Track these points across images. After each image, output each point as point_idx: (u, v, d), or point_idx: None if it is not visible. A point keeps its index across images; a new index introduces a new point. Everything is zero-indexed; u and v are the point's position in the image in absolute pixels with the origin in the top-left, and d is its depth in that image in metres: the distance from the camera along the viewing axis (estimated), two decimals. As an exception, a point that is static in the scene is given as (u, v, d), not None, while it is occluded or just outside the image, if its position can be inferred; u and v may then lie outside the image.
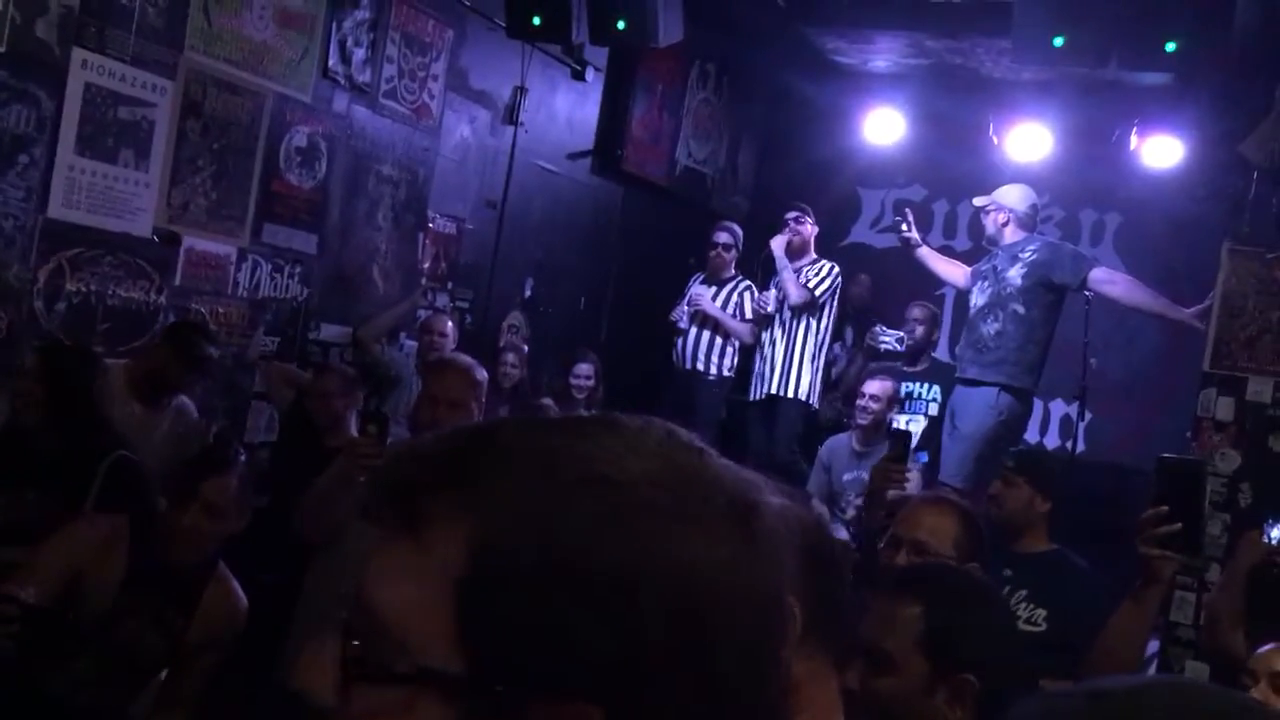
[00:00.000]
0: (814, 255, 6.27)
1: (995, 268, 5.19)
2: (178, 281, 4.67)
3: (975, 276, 5.35)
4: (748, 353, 6.47)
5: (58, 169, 4.17)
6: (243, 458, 2.91)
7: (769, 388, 6.12)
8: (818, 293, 6.07)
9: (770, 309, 6.20)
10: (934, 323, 6.04)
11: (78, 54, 4.17)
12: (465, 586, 0.59)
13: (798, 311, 6.07)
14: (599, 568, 0.59)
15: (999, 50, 6.54)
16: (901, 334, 6.11)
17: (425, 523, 0.61)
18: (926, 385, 5.78)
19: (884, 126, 7.20)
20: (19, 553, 2.93)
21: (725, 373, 6.45)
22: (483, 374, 3.18)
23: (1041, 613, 3.03)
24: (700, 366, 6.41)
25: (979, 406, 5.06)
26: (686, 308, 6.48)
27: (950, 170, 7.41)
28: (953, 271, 5.66)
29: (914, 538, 2.50)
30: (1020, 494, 3.33)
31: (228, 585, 2.85)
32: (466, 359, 3.26)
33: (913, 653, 1.74)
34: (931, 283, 6.93)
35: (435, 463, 0.63)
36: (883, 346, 6.23)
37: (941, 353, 7.43)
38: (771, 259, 6.22)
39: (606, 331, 7.31)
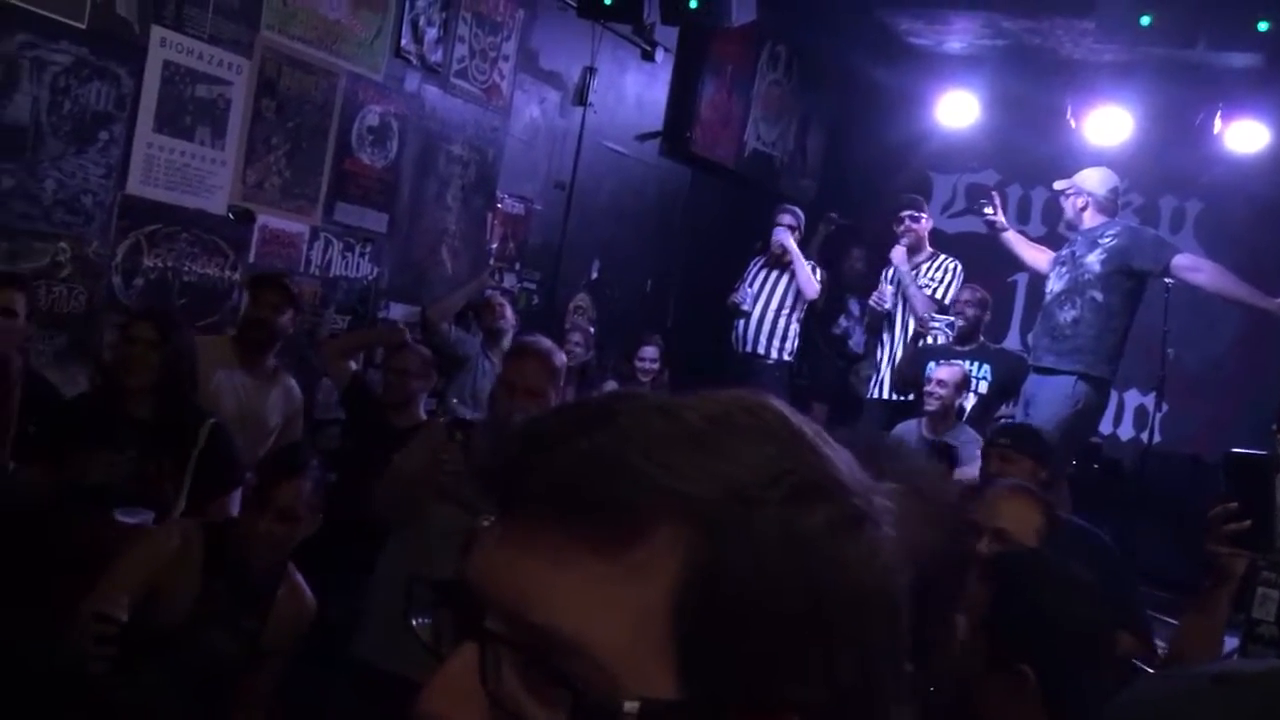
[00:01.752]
0: (930, 250, 6.19)
1: (1074, 253, 5.07)
2: (252, 259, 4.72)
3: (1054, 263, 5.24)
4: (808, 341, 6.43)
5: (136, 146, 4.24)
6: (314, 460, 2.92)
7: (890, 393, 6.06)
8: (946, 300, 6.00)
9: (887, 305, 6.13)
10: (984, 305, 5.91)
11: (157, 32, 4.22)
12: (684, 612, 0.54)
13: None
14: (818, 585, 0.56)
15: (1080, 30, 6.38)
16: (953, 319, 6.02)
17: (634, 540, 0.55)
18: (977, 364, 5.68)
19: (958, 109, 7.07)
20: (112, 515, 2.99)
21: (785, 356, 6.41)
22: (561, 358, 3.16)
23: None
24: (760, 350, 6.37)
25: (1054, 396, 4.94)
26: (749, 289, 6.44)
27: (1025, 154, 7.27)
28: (1038, 257, 5.54)
29: (996, 526, 2.46)
30: (1021, 469, 3.32)
31: (297, 586, 2.87)
32: (545, 343, 3.22)
33: (976, 633, 1.71)
34: (1001, 268, 6.82)
35: (639, 472, 0.55)
36: (933, 331, 6.14)
37: (1012, 340, 7.32)
38: (890, 264, 6.16)
39: (672, 314, 7.29)
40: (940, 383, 5.10)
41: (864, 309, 6.68)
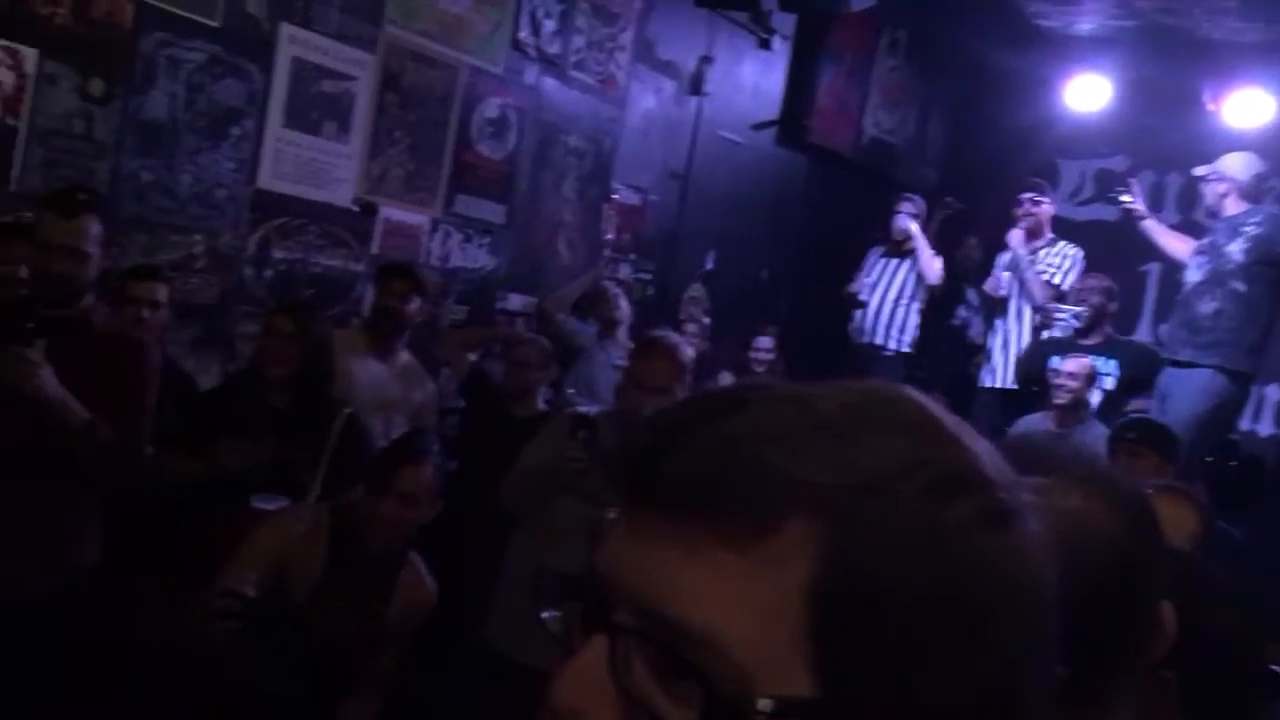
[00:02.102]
0: (1050, 235, 6.02)
1: (1214, 242, 4.84)
2: (375, 250, 4.82)
3: (1195, 252, 5.01)
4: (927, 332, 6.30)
5: (267, 141, 4.35)
6: (436, 446, 2.96)
7: (1008, 382, 5.92)
8: (1064, 287, 5.84)
9: (1004, 292, 6.00)
10: (1110, 295, 5.70)
11: (285, 29, 4.33)
12: (820, 607, 0.52)
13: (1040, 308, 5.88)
14: (962, 580, 0.53)
15: (1220, 9, 6.10)
16: (1078, 309, 5.82)
17: (768, 532, 0.53)
18: (1104, 358, 5.48)
19: (1087, 93, 6.84)
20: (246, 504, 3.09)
21: (905, 348, 6.29)
22: (689, 353, 3.14)
23: None
24: (879, 340, 6.27)
25: (1192, 390, 4.74)
26: (868, 279, 6.34)
27: (1158, 139, 6.99)
28: (1179, 246, 5.31)
29: None
30: (1148, 464, 3.16)
31: (418, 571, 2.92)
32: (673, 339, 3.21)
33: None
34: (1132, 257, 6.57)
35: (761, 460, 0.54)
36: (1057, 322, 5.95)
37: (1143, 333, 7.06)
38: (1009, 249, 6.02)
39: (788, 304, 7.21)
40: (1070, 375, 4.94)
41: (982, 298, 6.52)
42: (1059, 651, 0.59)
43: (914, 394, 0.60)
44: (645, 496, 0.56)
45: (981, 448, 0.58)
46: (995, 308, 6.13)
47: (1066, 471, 1.11)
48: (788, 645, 0.52)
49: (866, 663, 0.52)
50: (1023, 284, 5.90)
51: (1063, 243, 6.01)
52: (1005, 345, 6.01)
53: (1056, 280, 5.87)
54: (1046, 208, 6.06)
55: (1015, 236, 5.96)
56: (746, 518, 0.53)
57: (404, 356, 4.16)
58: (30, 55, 3.66)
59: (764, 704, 0.51)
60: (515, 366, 4.33)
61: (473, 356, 4.69)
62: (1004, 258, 6.14)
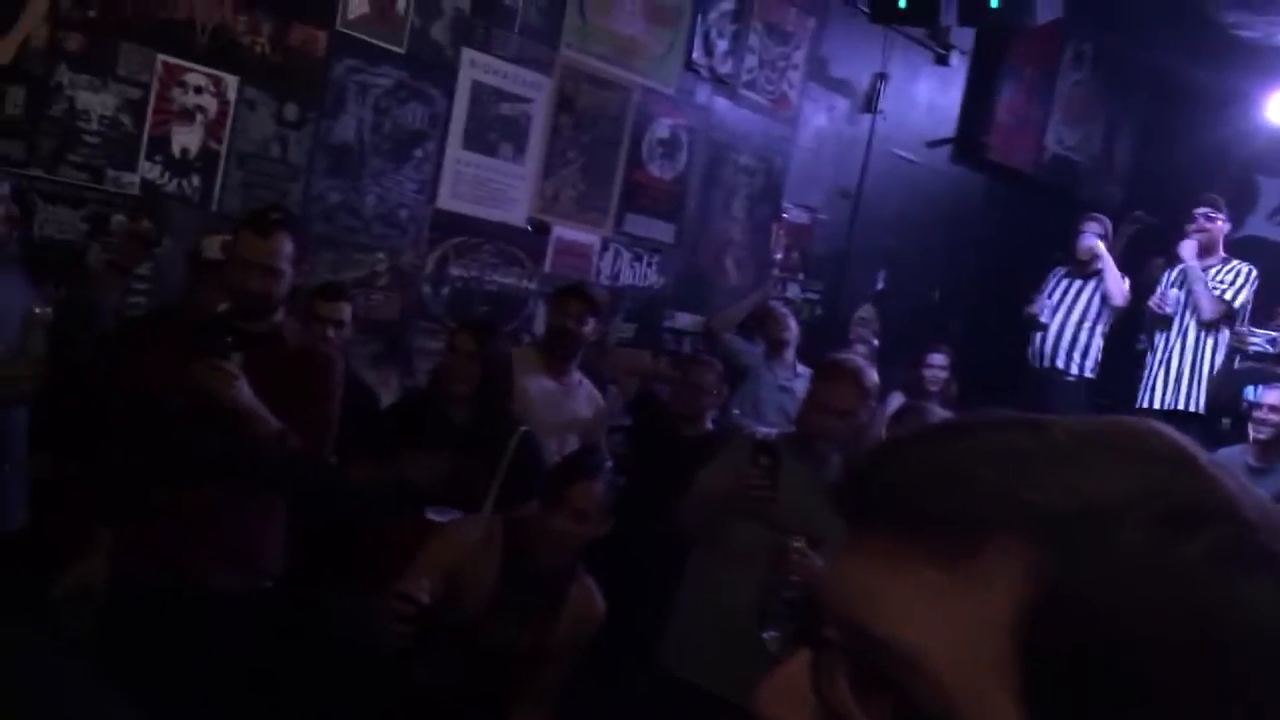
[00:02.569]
0: (1223, 254, 5.70)
1: None
2: (547, 269, 4.90)
3: None
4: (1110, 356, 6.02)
5: (447, 162, 4.49)
6: (608, 463, 2.97)
7: (1172, 400, 5.63)
8: (1236, 304, 5.53)
9: (1169, 309, 5.71)
10: None
11: (467, 54, 4.46)
12: (1033, 634, 0.50)
13: (1210, 324, 5.57)
14: (1202, 623, 0.49)
15: None
16: (1274, 334, 5.44)
17: (979, 551, 0.51)
18: None
19: (1290, 106, 6.42)
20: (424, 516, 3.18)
21: (1087, 373, 6.01)
22: (873, 378, 3.08)
23: None
24: (1060, 364, 6.00)
25: None
26: (1049, 300, 6.10)
27: (1371, 155, 6.51)
28: None
29: None
30: None
31: (589, 588, 2.93)
32: (857, 362, 3.14)
33: None
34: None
35: (981, 478, 0.52)
36: (1252, 348, 5.58)
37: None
38: (1177, 257, 5.73)
39: (961, 326, 7.00)
40: (1273, 408, 4.62)
41: (1147, 315, 6.15)
42: None
43: (1163, 428, 0.56)
44: (861, 515, 0.56)
45: (1237, 486, 0.53)
46: (1158, 325, 5.80)
47: None
48: (994, 669, 0.50)
49: (1081, 697, 0.49)
50: (1191, 297, 5.57)
51: (1236, 260, 5.66)
52: (1165, 365, 5.69)
53: (1228, 296, 5.53)
54: (1221, 224, 5.73)
55: (1188, 248, 5.65)
56: (954, 533, 0.52)
57: (577, 375, 4.21)
58: (232, 82, 3.87)
59: None
60: (689, 387, 4.32)
61: (637, 380, 4.73)
62: (1171, 274, 5.83)
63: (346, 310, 3.65)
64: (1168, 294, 5.75)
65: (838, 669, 0.53)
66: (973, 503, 0.52)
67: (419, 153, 4.39)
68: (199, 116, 3.82)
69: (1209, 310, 5.52)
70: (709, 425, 4.35)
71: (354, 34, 4.12)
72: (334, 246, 4.20)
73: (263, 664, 3.03)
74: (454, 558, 2.80)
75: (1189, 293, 5.63)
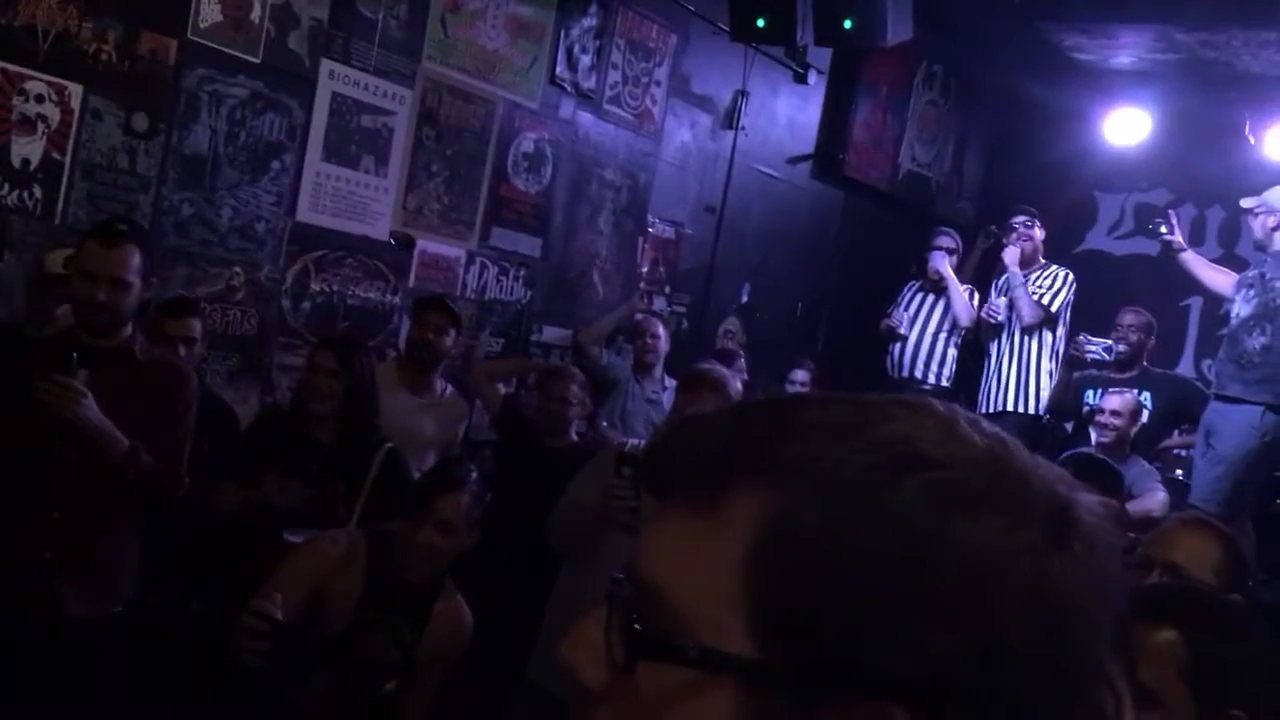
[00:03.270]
0: (1043, 262, 5.99)
1: (1263, 275, 4.73)
2: (411, 283, 4.84)
3: (1240, 285, 4.92)
4: (965, 367, 6.26)
5: (306, 175, 4.40)
6: (474, 475, 2.95)
7: (1002, 403, 5.87)
8: (1054, 308, 5.81)
9: (1000, 318, 5.97)
10: (1148, 330, 5.61)
11: (326, 65, 4.39)
12: (760, 567, 0.54)
13: (1030, 328, 5.84)
14: (913, 554, 0.52)
15: (1261, 41, 6.06)
16: (1109, 342, 5.74)
17: (721, 498, 0.56)
18: (1139, 391, 5.39)
19: (1126, 126, 6.79)
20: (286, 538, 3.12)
21: (944, 382, 6.23)
22: (737, 387, 3.14)
23: None
24: (918, 374, 6.21)
25: (1240, 426, 4.64)
26: (905, 313, 6.30)
27: (1200, 172, 6.92)
28: (1220, 279, 5.22)
29: (1170, 560, 2.30)
30: None
31: (455, 601, 2.90)
32: (721, 372, 3.19)
33: (1175, 684, 1.58)
34: (1173, 292, 6.49)
35: (733, 437, 0.58)
36: (1089, 355, 5.86)
37: (1185, 367, 6.96)
38: (1003, 267, 6.00)
39: (824, 338, 7.18)
40: (1114, 413, 4.85)
41: (977, 326, 6.41)
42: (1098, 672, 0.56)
43: (945, 405, 0.60)
44: (653, 485, 0.62)
45: (989, 445, 0.57)
46: (990, 333, 6.08)
47: None
48: (730, 604, 0.54)
49: (803, 627, 0.53)
50: (1014, 304, 5.87)
51: (1055, 266, 5.98)
52: (997, 371, 5.97)
53: (1045, 300, 5.84)
54: (1039, 233, 6.05)
55: (1010, 254, 5.96)
56: (704, 483, 0.57)
57: (440, 387, 4.18)
58: (76, 91, 3.72)
59: (690, 646, 0.54)
60: (555, 402, 4.32)
61: (504, 389, 4.69)
62: (998, 283, 6.12)
63: (196, 326, 3.55)
64: (996, 303, 6.02)
65: (617, 615, 0.58)
66: (720, 454, 0.57)
67: (276, 164, 4.30)
68: (40, 126, 3.66)
69: (1029, 315, 5.82)
70: (574, 437, 4.36)
71: (207, 43, 4.02)
72: (188, 260, 4.07)
73: (119, 692, 2.92)
74: (316, 573, 2.75)
75: (1012, 300, 5.91)
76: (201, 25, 3.99)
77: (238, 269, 4.24)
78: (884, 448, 0.55)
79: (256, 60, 4.16)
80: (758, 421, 0.58)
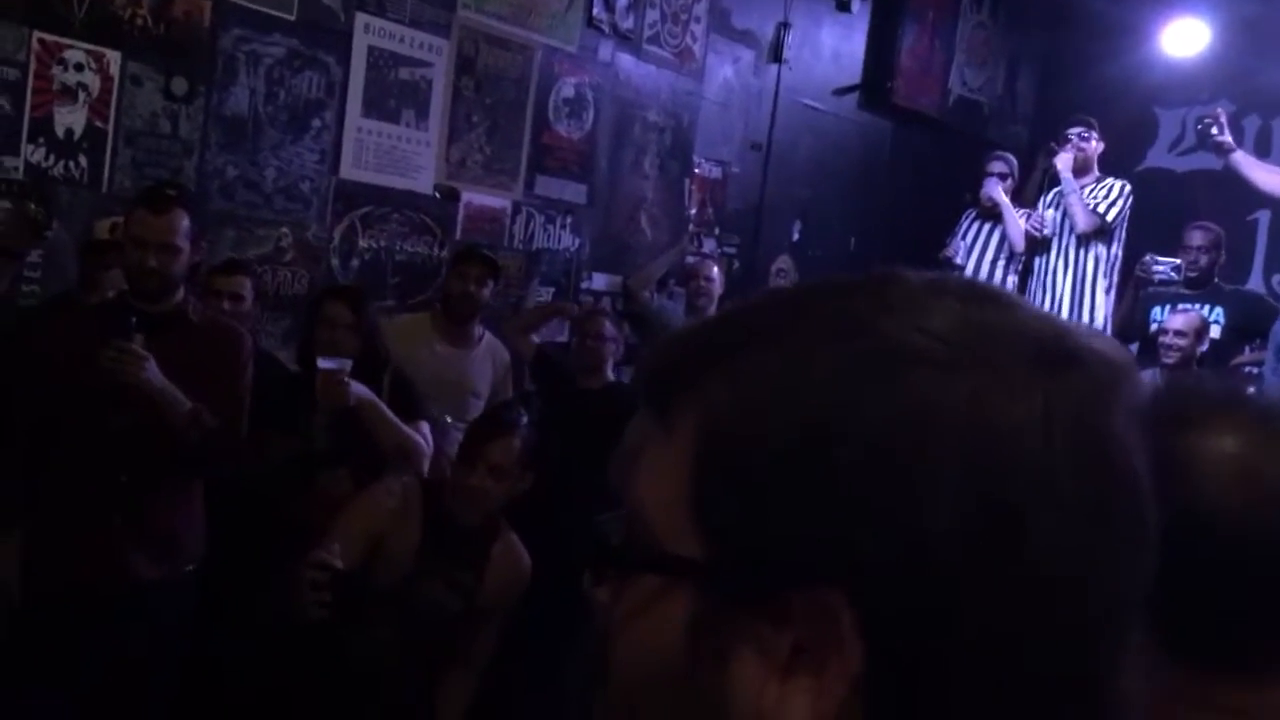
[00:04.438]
0: (1097, 174, 5.79)
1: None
2: (458, 236, 4.82)
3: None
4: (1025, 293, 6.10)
5: (347, 131, 4.38)
6: (525, 419, 2.94)
7: None
8: (1110, 217, 5.60)
9: (1047, 231, 5.77)
10: (1218, 247, 5.42)
11: (360, 19, 4.35)
12: (697, 466, 0.52)
13: (1085, 239, 5.63)
14: (815, 427, 0.48)
15: (1326, -61, 5.79)
16: (1178, 261, 5.56)
17: (672, 407, 0.55)
18: (1209, 307, 5.23)
19: (1184, 37, 6.55)
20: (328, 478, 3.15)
21: (1005, 310, 6.10)
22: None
23: None
24: (978, 304, 6.08)
25: (1314, 339, 4.49)
26: (963, 241, 6.17)
27: (1265, 82, 6.66)
28: (1273, 180, 5.03)
29: None
30: None
31: (512, 544, 2.90)
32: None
33: None
34: (1238, 207, 6.29)
35: (686, 344, 0.56)
36: (1157, 277, 5.69)
37: (1254, 283, 6.76)
38: (1056, 177, 5.79)
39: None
40: (1179, 333, 4.73)
41: (1026, 240, 6.17)
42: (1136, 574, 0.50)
43: (920, 273, 0.55)
44: (645, 402, 0.59)
45: (962, 309, 0.51)
46: (1036, 248, 5.85)
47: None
48: (682, 507, 0.52)
49: (727, 523, 0.50)
50: (1068, 211, 5.63)
51: (1110, 178, 5.74)
52: (1047, 286, 5.75)
53: (1102, 209, 5.60)
54: (1095, 144, 5.79)
55: (1063, 160, 5.67)
56: (668, 393, 0.55)
57: (478, 335, 4.16)
58: (114, 58, 3.72)
59: (650, 554, 0.53)
60: (591, 339, 4.30)
61: (535, 339, 4.66)
62: (1045, 197, 5.90)
63: (246, 284, 3.56)
64: (1044, 216, 5.81)
65: (597, 536, 0.58)
66: (679, 365, 0.55)
67: (317, 122, 4.28)
68: (81, 95, 3.67)
69: (1084, 222, 5.57)
70: (610, 376, 4.33)
71: (240, 2, 3.99)
72: (235, 223, 4.08)
73: (194, 651, 2.96)
74: (372, 523, 2.76)
75: (1064, 211, 5.70)
76: (234, -15, 3.97)
77: (285, 229, 4.24)
78: (821, 322, 0.51)
79: (291, 17, 4.13)
80: (714, 325, 0.57)
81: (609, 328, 4.32)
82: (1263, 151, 6.86)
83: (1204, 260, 5.39)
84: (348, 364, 3.14)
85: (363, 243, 4.50)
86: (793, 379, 0.50)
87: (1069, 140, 5.75)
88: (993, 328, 0.51)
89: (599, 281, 5.53)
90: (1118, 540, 0.50)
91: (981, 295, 0.53)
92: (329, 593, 2.40)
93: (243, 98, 4.05)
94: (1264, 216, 6.71)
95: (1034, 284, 5.85)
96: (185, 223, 2.86)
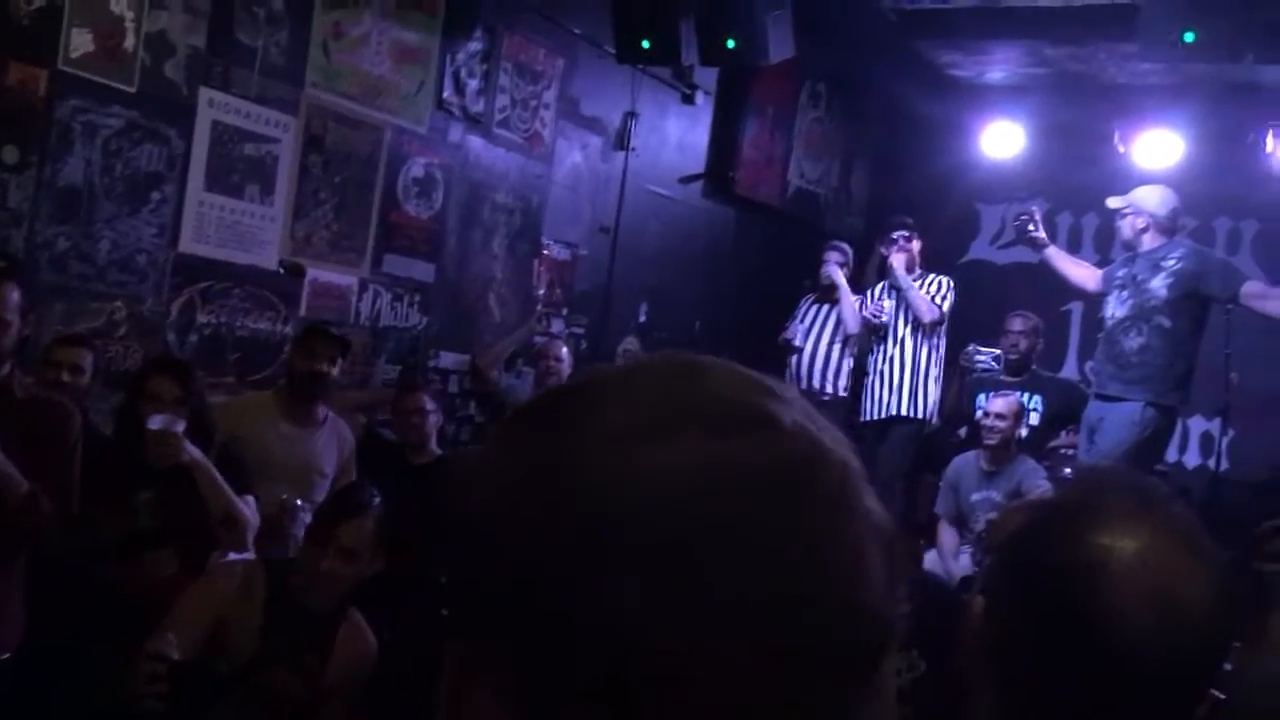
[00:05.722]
0: (920, 270, 6.12)
1: (1135, 276, 4.90)
2: (302, 312, 4.76)
3: (1108, 282, 5.08)
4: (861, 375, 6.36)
5: (188, 205, 4.30)
6: (377, 499, 2.91)
7: (895, 407, 5.94)
8: (945, 308, 5.93)
9: (884, 318, 6.05)
10: (1036, 334, 5.81)
11: (205, 93, 4.31)
12: None
13: (919, 331, 5.93)
14: (464, 479, 0.56)
15: (1123, 54, 6.34)
16: (998, 351, 5.92)
17: None
18: (1028, 395, 5.58)
19: (1002, 139, 7.01)
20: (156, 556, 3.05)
21: (841, 392, 6.33)
22: None
23: None
24: (816, 385, 6.29)
25: (1121, 422, 4.80)
26: (801, 325, 6.40)
27: (1074, 182, 7.18)
28: (1082, 274, 5.40)
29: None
30: None
31: (358, 624, 2.86)
32: None
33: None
34: (1054, 297, 6.71)
35: None
36: (979, 366, 6.03)
37: (1070, 369, 7.20)
38: (886, 270, 6.10)
39: (723, 355, 7.22)
40: (999, 415, 5.01)
41: (863, 330, 6.47)
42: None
43: (724, 365, 0.60)
44: None
45: (713, 391, 0.56)
46: (874, 336, 6.14)
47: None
48: None
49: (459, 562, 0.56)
50: (910, 306, 5.93)
51: (933, 274, 6.09)
52: (882, 374, 6.01)
53: (937, 301, 5.93)
54: (916, 244, 6.15)
55: (897, 260, 6.01)
56: None
57: (321, 414, 4.07)
58: (-60, 124, 3.59)
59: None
60: (411, 415, 4.31)
61: (362, 419, 4.63)
62: (876, 289, 6.21)
63: (87, 357, 3.44)
64: (879, 304, 6.11)
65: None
66: None
67: (157, 195, 4.20)
68: (-97, 161, 3.53)
69: (928, 314, 5.87)
70: (436, 450, 4.33)
71: (79, 73, 3.91)
72: (66, 296, 3.95)
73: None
74: (213, 607, 2.68)
75: (902, 303, 5.99)
76: (73, 55, 3.89)
77: (119, 303, 4.12)
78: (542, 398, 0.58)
79: (132, 89, 4.07)
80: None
81: (427, 400, 4.34)
82: (1074, 246, 7.38)
83: (1023, 344, 5.74)
84: (180, 422, 3.05)
85: (202, 318, 4.40)
86: (491, 439, 0.59)
87: (895, 242, 6.07)
88: (671, 391, 0.56)
89: (446, 359, 5.53)
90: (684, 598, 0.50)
91: (680, 363, 0.60)
92: (165, 684, 2.32)
93: (78, 168, 3.94)
94: (1077, 307, 7.18)
95: (872, 374, 6.10)
96: (15, 296, 2.77)
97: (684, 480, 0.50)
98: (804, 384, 6.33)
